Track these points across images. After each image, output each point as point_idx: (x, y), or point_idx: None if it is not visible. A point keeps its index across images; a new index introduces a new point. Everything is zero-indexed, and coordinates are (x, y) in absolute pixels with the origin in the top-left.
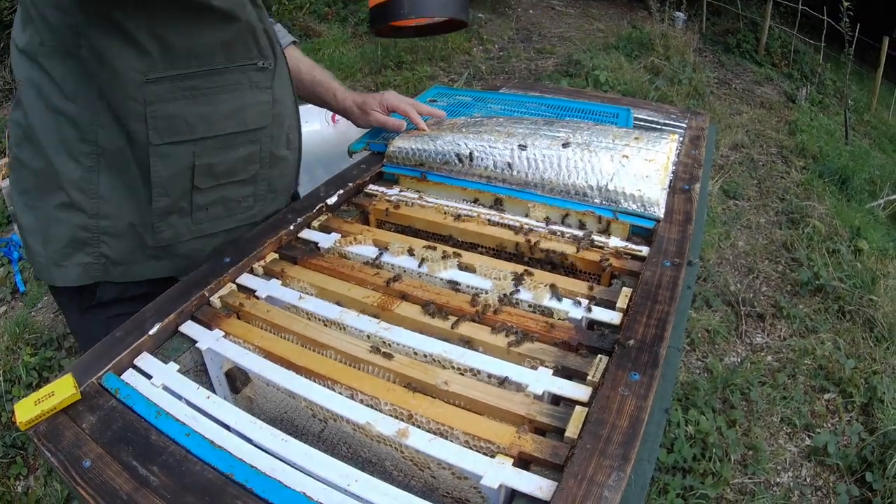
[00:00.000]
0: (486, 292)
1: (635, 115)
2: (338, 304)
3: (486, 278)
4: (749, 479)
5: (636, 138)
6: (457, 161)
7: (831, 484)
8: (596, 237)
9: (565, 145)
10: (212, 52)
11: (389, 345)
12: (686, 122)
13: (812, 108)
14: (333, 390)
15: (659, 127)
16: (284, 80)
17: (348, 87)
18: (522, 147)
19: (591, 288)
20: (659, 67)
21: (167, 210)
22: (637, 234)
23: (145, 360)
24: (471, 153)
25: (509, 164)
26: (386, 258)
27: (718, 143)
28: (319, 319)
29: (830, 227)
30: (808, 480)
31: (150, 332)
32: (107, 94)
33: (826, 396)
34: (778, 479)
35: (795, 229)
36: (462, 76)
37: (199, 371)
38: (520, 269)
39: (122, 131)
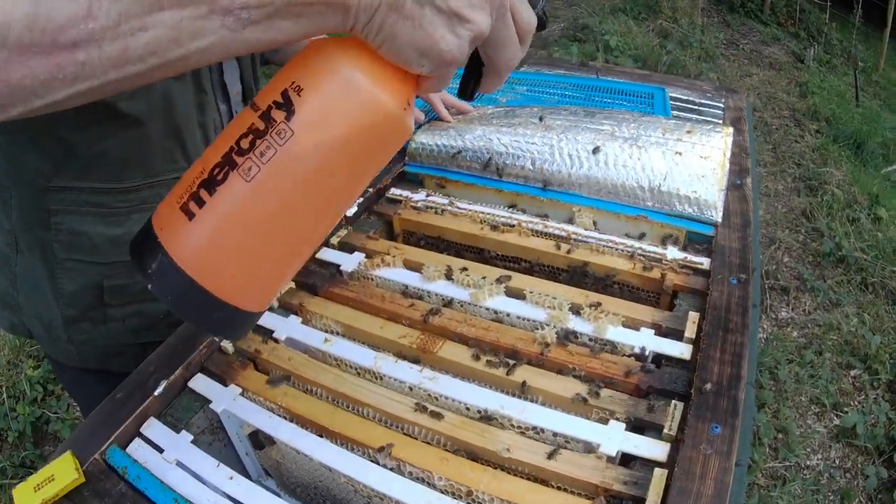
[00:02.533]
0: (543, 326)
1: (669, 95)
2: (370, 345)
3: (538, 306)
4: (779, 463)
5: (688, 132)
6: (490, 159)
7: (860, 465)
8: (651, 248)
9: (611, 139)
10: (126, 165)
11: (436, 398)
12: (723, 101)
13: (820, 68)
14: (376, 461)
15: (696, 107)
16: None
17: None
18: (559, 141)
19: (654, 314)
20: (668, 30)
21: (75, 319)
22: (693, 242)
23: (153, 428)
24: (505, 150)
25: (549, 162)
26: (421, 284)
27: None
28: (351, 367)
29: (849, 194)
30: (836, 462)
31: (156, 393)
32: (14, 188)
33: (853, 373)
34: (808, 463)
35: (814, 196)
36: None
37: (215, 430)
38: (576, 293)
39: (31, 230)
